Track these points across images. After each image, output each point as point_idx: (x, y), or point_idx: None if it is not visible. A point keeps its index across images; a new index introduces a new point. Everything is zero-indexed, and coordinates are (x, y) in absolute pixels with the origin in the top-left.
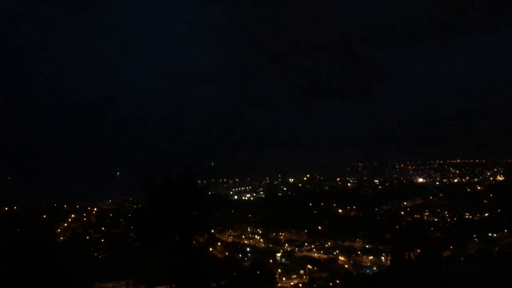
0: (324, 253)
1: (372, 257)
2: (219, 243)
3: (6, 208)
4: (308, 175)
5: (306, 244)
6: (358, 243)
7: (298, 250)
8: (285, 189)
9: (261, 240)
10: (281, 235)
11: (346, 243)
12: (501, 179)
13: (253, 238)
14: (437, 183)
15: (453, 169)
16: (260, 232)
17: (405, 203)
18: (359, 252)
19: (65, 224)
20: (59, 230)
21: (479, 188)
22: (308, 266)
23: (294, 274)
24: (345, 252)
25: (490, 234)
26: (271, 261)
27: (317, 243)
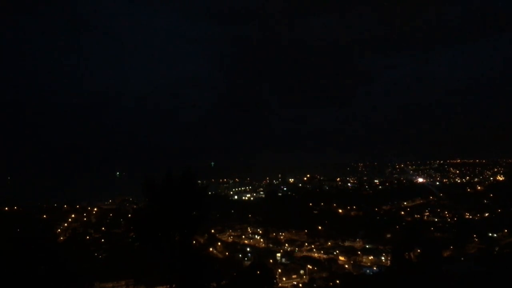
0: (324, 253)
1: (372, 257)
2: (219, 243)
3: (6, 208)
4: (308, 175)
5: (306, 244)
6: (358, 243)
7: (298, 250)
8: (285, 189)
9: (261, 240)
10: (281, 235)
11: (346, 243)
12: (501, 179)
13: (253, 238)
14: (437, 183)
15: (453, 169)
16: (260, 232)
17: (405, 203)
18: (359, 252)
19: (65, 224)
20: (59, 230)
21: (479, 188)
22: (308, 266)
23: (294, 274)
24: (345, 252)
25: (490, 234)
26: (271, 261)
27: (317, 243)
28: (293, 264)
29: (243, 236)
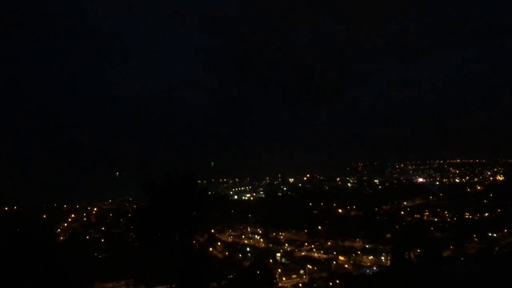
0: (324, 253)
1: (372, 257)
2: (219, 243)
3: (6, 208)
4: (308, 175)
5: (306, 244)
6: (358, 243)
7: (298, 250)
8: (285, 189)
9: (261, 240)
10: (281, 235)
11: (346, 243)
12: (501, 179)
13: (253, 238)
14: (437, 183)
15: (453, 169)
16: (260, 232)
17: (405, 203)
18: (359, 252)
19: (65, 224)
20: (59, 230)
21: (479, 188)
22: (308, 266)
23: (294, 274)
24: (345, 252)
25: (490, 234)
26: (271, 261)
27: (317, 243)
28: (293, 264)
29: (243, 236)
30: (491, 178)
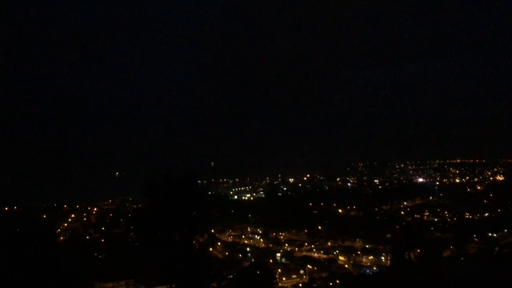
0: (324, 253)
1: (372, 257)
2: (219, 243)
3: (6, 208)
4: (308, 175)
5: (306, 244)
6: (358, 243)
7: (298, 250)
8: (285, 189)
9: (261, 240)
10: (281, 235)
11: (346, 243)
12: (501, 179)
13: (253, 238)
14: (437, 183)
15: (453, 169)
16: (260, 232)
17: (405, 203)
18: (359, 252)
19: (65, 224)
20: (59, 230)
21: (479, 188)
22: (308, 266)
23: (294, 274)
24: (345, 252)
25: (490, 234)
26: (271, 261)
27: (317, 243)
28: (293, 264)
29: (243, 236)
30: (491, 178)
